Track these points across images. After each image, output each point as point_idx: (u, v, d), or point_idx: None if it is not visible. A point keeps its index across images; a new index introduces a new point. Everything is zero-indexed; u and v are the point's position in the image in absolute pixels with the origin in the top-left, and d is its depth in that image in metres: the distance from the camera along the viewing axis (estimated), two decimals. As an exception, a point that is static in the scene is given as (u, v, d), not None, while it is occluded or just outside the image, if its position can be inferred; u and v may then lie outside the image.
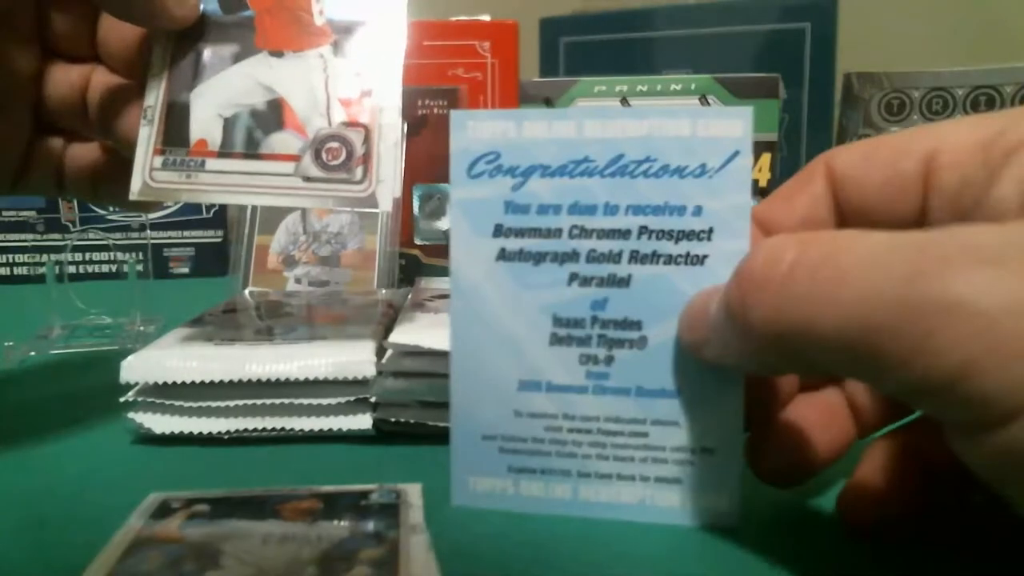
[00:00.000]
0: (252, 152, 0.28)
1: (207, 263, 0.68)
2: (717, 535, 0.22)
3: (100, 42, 0.28)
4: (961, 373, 0.14)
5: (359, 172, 0.27)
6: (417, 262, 0.61)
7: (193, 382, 0.28)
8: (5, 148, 0.28)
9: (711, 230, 0.21)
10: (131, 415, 0.28)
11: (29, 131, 0.29)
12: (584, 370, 0.22)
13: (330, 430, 0.28)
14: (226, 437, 0.28)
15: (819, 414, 0.22)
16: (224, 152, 0.28)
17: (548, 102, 0.58)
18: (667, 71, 0.73)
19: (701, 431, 0.22)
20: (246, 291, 0.45)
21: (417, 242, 0.62)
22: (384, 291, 0.45)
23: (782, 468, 0.22)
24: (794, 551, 0.21)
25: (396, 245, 0.54)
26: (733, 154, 0.21)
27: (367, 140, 0.27)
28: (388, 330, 0.31)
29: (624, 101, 0.56)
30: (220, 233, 0.68)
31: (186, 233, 0.67)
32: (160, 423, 0.28)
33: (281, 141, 0.28)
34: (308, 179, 0.27)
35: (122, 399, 0.29)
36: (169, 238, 0.67)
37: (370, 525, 0.21)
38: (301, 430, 0.28)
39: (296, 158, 0.27)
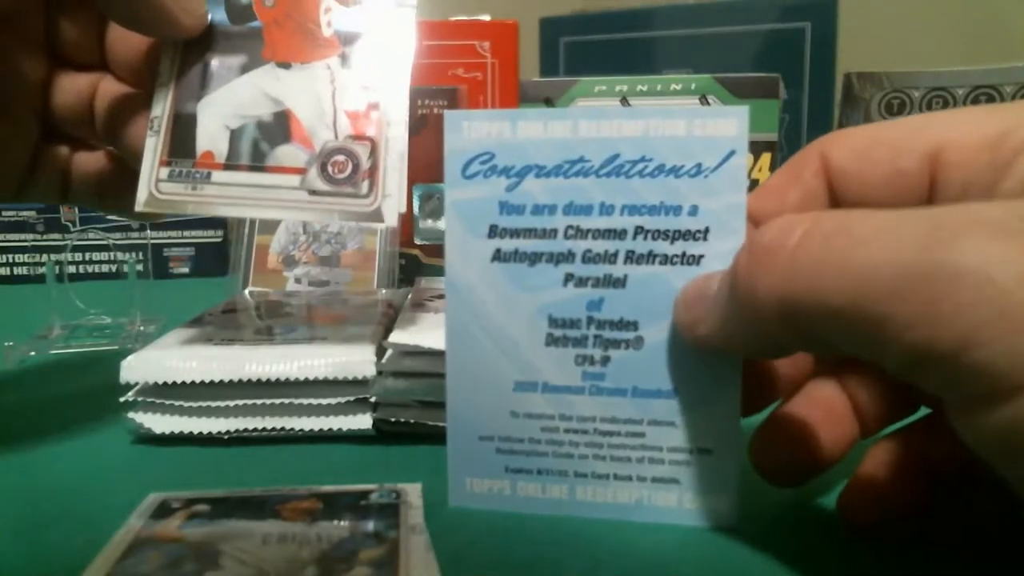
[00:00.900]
0: (258, 164, 0.27)
1: (207, 263, 0.68)
2: (716, 535, 0.22)
3: (108, 50, 0.28)
4: (966, 342, 0.14)
5: (365, 186, 0.27)
6: (417, 262, 0.61)
7: (193, 382, 0.28)
8: (11, 155, 0.28)
9: (707, 230, 0.21)
10: (131, 415, 0.28)
11: (35, 138, 0.29)
12: (580, 371, 0.22)
13: (330, 430, 0.28)
14: (226, 437, 0.28)
15: (823, 414, 0.22)
16: (230, 164, 0.28)
17: (548, 102, 0.58)
18: (667, 71, 0.73)
19: (698, 431, 0.22)
20: (246, 291, 0.45)
21: (417, 242, 0.62)
22: (384, 291, 0.45)
23: (786, 467, 0.22)
24: (794, 551, 0.21)
25: (396, 245, 0.54)
26: (729, 154, 0.21)
27: (373, 154, 0.27)
28: (388, 330, 0.31)
29: (624, 101, 0.56)
30: (220, 233, 0.68)
31: (186, 233, 0.67)
32: (160, 423, 0.28)
33: (287, 154, 0.27)
34: (314, 192, 0.27)
35: (122, 399, 0.29)
36: (169, 238, 0.67)
37: (370, 525, 0.21)
38: (301, 430, 0.28)
39: (302, 171, 0.27)
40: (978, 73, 0.55)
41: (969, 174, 0.19)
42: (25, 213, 0.64)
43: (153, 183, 0.28)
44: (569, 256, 0.22)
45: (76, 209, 0.64)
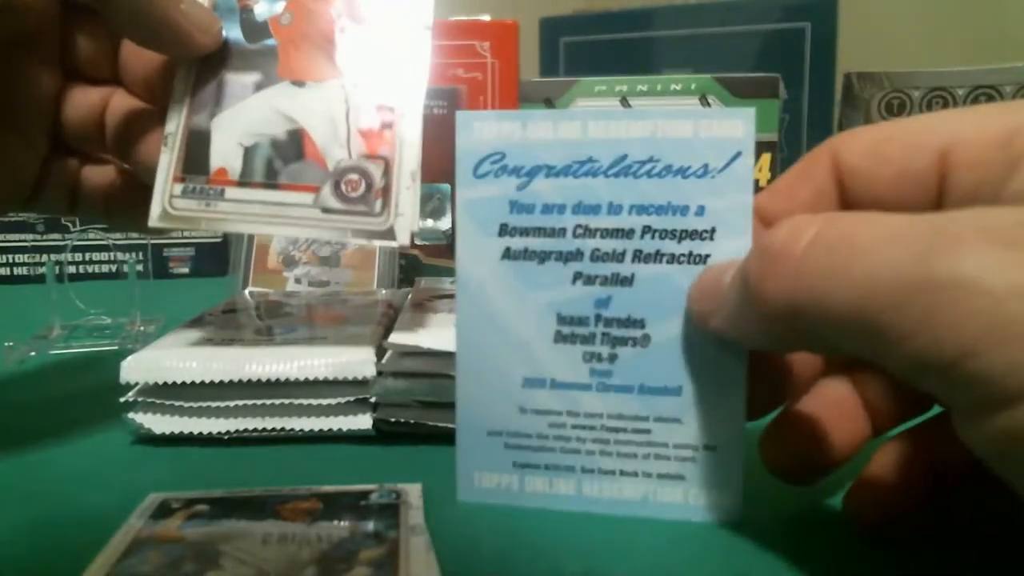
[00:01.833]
0: (272, 182, 0.28)
1: (207, 263, 0.68)
2: (721, 531, 0.22)
3: (121, 66, 0.28)
4: (965, 351, 0.14)
5: (378, 205, 0.27)
6: (417, 262, 0.61)
7: (193, 382, 0.28)
8: (20, 166, 0.28)
9: (713, 230, 0.21)
10: (131, 415, 0.28)
11: (45, 150, 0.29)
12: (588, 368, 0.22)
13: (330, 430, 0.28)
14: (226, 437, 0.28)
15: (834, 412, 0.22)
16: (244, 181, 0.28)
17: (548, 102, 0.58)
18: (667, 71, 0.73)
19: (704, 428, 0.22)
20: (246, 291, 0.45)
21: (417, 242, 0.62)
22: (384, 291, 0.45)
23: (797, 465, 0.22)
24: (799, 548, 0.21)
25: (396, 245, 0.54)
26: (735, 155, 0.21)
27: (387, 173, 0.27)
28: (388, 330, 0.31)
29: (624, 101, 0.56)
30: (220, 233, 0.68)
31: (186, 233, 0.67)
32: (160, 423, 0.28)
33: (301, 172, 0.28)
34: (327, 210, 0.27)
35: (122, 399, 0.29)
36: (169, 238, 0.67)
37: (370, 525, 0.21)
38: (301, 430, 0.28)
39: (315, 189, 0.27)
40: (978, 73, 0.55)
41: (978, 173, 0.19)
42: (25, 213, 0.64)
43: (167, 199, 0.28)
44: (578, 255, 0.22)
45: (82, 218, 0.64)
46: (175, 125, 0.28)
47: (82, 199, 0.30)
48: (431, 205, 0.62)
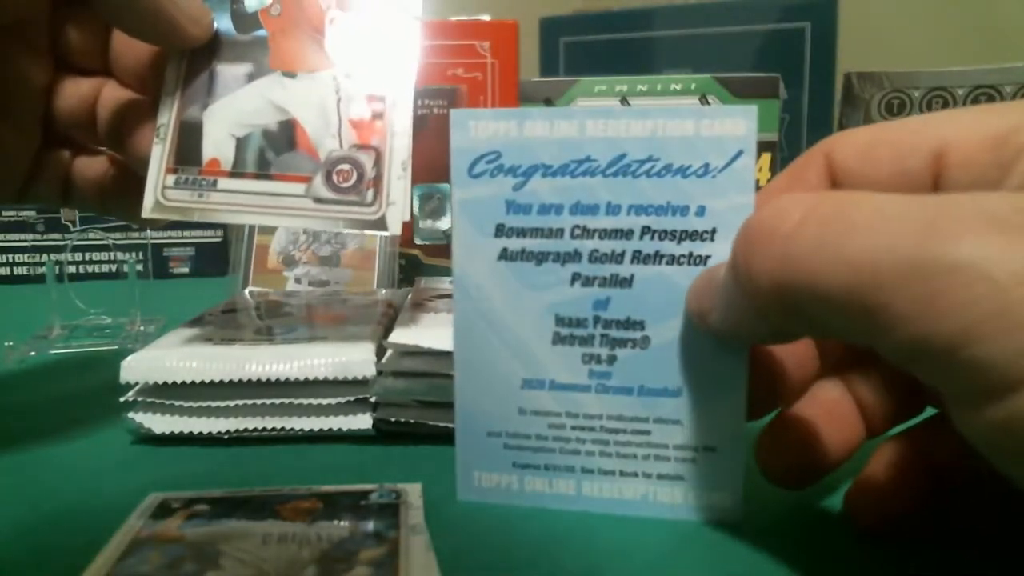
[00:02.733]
0: (264, 172, 0.28)
1: (207, 263, 0.68)
2: (721, 531, 0.22)
3: (112, 57, 0.28)
4: (964, 338, 0.14)
5: (369, 195, 0.27)
6: (417, 262, 0.61)
7: (193, 382, 0.28)
8: (13, 158, 0.28)
9: (714, 230, 0.21)
10: (131, 415, 0.28)
11: (37, 142, 0.29)
12: (587, 369, 0.22)
13: (330, 430, 0.28)
14: (226, 437, 0.28)
15: (828, 415, 0.22)
16: (236, 172, 0.28)
17: (548, 102, 0.58)
18: (667, 71, 0.73)
19: (704, 429, 0.22)
20: (246, 291, 0.45)
21: (417, 242, 0.62)
22: (384, 291, 0.45)
23: (791, 470, 0.22)
24: (799, 549, 0.21)
25: (396, 245, 0.54)
26: (737, 154, 0.21)
27: (378, 163, 0.27)
28: (388, 330, 0.31)
29: (624, 101, 0.56)
30: (220, 233, 0.68)
31: (186, 233, 0.67)
32: (160, 423, 0.28)
33: (293, 162, 0.28)
34: (319, 200, 0.27)
35: (122, 399, 0.29)
36: (169, 238, 0.67)
37: (370, 525, 0.21)
38: (301, 430, 0.28)
39: (307, 179, 0.27)
40: (978, 73, 0.55)
41: (972, 174, 0.19)
42: (25, 213, 0.64)
43: (159, 190, 0.28)
44: (576, 256, 0.22)
45: (76, 210, 0.64)
46: (167, 116, 0.28)
47: (75, 190, 0.30)
48: (431, 205, 0.62)
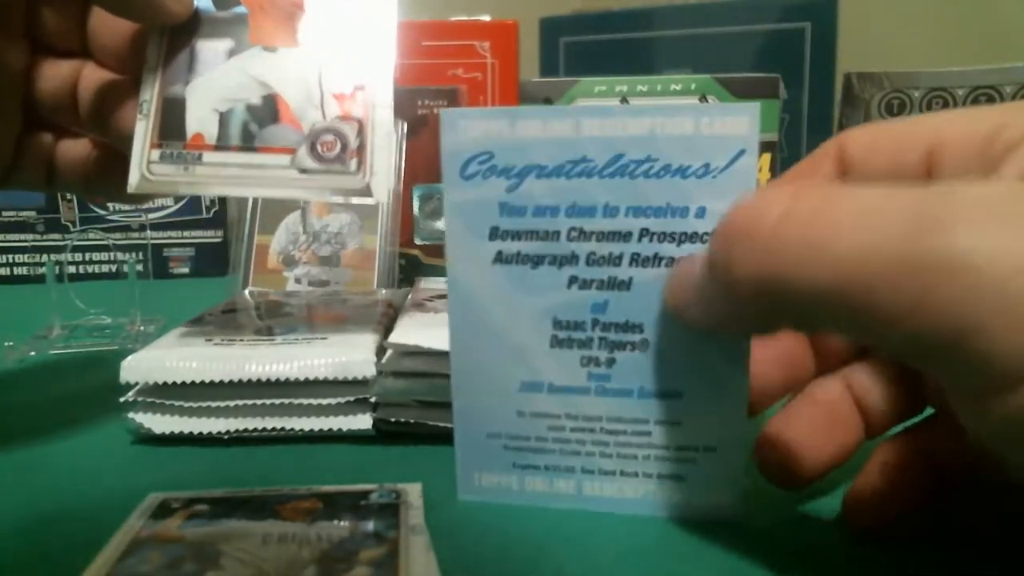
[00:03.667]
0: (248, 145, 0.28)
1: (207, 263, 0.68)
2: (721, 531, 0.22)
3: (91, 37, 0.28)
4: (964, 333, 0.13)
5: (353, 164, 0.28)
6: (417, 262, 0.61)
7: (193, 382, 0.28)
8: None
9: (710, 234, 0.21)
10: (131, 415, 0.28)
11: (18, 127, 0.29)
12: (586, 372, 0.22)
13: (330, 430, 0.28)
14: (226, 437, 0.28)
15: (827, 415, 0.22)
16: (221, 145, 0.28)
17: (548, 102, 0.58)
18: (667, 71, 0.73)
19: (704, 430, 0.22)
20: (246, 291, 0.45)
21: (417, 242, 0.62)
22: (384, 291, 0.45)
23: (789, 472, 0.22)
24: (799, 548, 0.21)
25: (396, 245, 0.54)
26: (739, 153, 0.20)
27: (361, 133, 0.28)
28: (388, 330, 0.31)
29: (624, 101, 0.56)
30: (220, 233, 0.68)
31: (186, 233, 0.67)
32: (160, 423, 0.28)
33: (277, 134, 0.28)
34: (304, 171, 0.28)
35: (122, 399, 0.29)
36: (169, 238, 0.67)
37: (370, 525, 0.21)
38: (301, 430, 0.28)
39: (292, 151, 0.28)
40: (978, 73, 0.55)
41: (962, 169, 0.19)
42: (25, 213, 0.64)
43: (144, 165, 0.28)
44: (573, 258, 0.22)
45: (76, 209, 0.64)
46: (149, 93, 0.28)
47: (59, 173, 0.30)
48: (431, 205, 0.62)
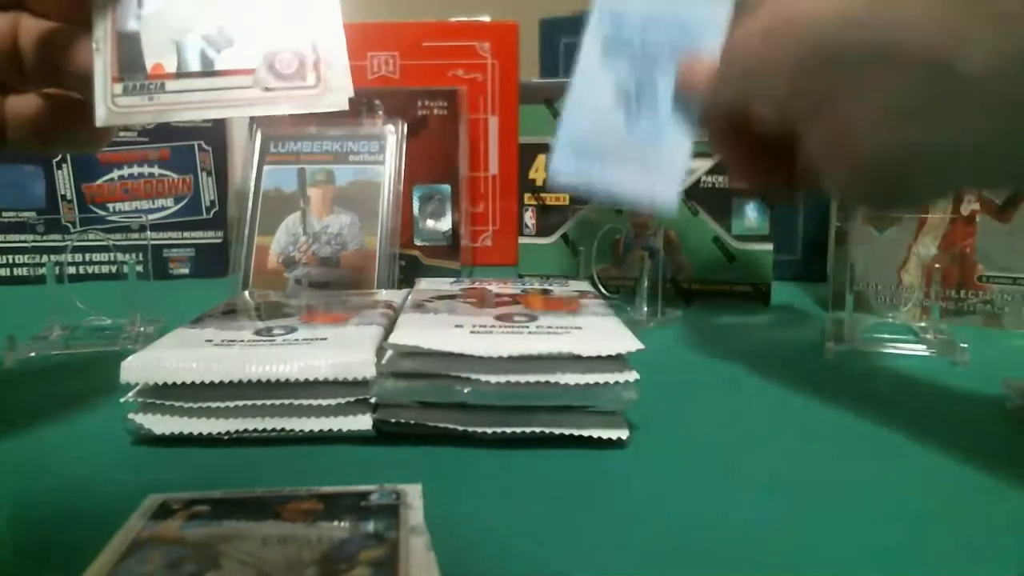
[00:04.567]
0: (209, 70, 0.29)
1: (207, 264, 0.68)
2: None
3: None
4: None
5: (312, 78, 0.29)
6: (417, 263, 0.61)
7: (193, 383, 0.28)
8: None
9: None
10: (131, 416, 0.28)
11: None
12: (625, 119, 0.38)
13: (330, 431, 0.28)
14: (226, 438, 0.28)
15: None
16: (182, 73, 0.29)
17: (548, 103, 0.58)
18: (667, 72, 0.73)
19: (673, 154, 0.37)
20: (246, 292, 0.45)
21: (417, 243, 0.62)
22: (384, 291, 0.45)
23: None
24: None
25: (396, 246, 0.54)
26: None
27: (315, 49, 0.29)
28: (388, 331, 0.31)
29: (624, 101, 0.56)
30: (220, 234, 0.68)
31: (186, 234, 0.67)
32: (160, 424, 0.28)
33: (235, 57, 0.29)
34: (267, 89, 0.29)
35: (122, 400, 0.29)
36: (169, 239, 0.67)
37: (370, 526, 0.21)
38: (301, 431, 0.28)
39: (251, 72, 0.29)
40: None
41: None
42: (25, 214, 0.64)
43: (109, 99, 0.28)
44: (636, 58, 0.39)
45: (76, 210, 0.64)
46: (102, 30, 0.29)
47: (12, 131, 0.30)
48: (431, 206, 0.62)
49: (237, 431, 0.28)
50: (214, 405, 0.28)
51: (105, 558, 0.19)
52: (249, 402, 0.28)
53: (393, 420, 0.28)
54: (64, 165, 0.64)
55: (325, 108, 0.28)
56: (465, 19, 0.71)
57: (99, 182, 0.65)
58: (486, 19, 0.72)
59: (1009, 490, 0.25)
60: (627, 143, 0.39)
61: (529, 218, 0.60)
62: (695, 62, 0.35)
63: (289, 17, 0.29)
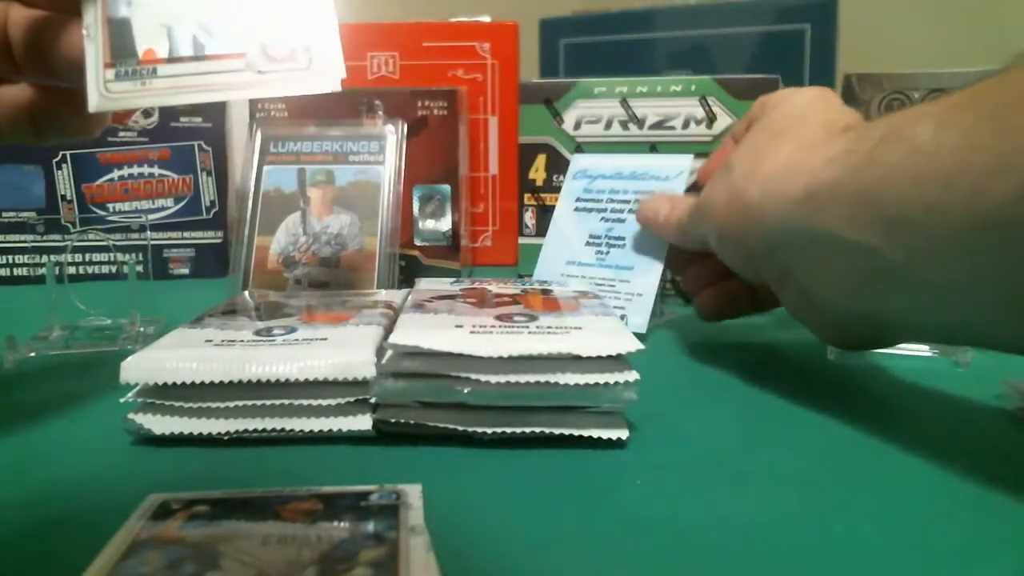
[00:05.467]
0: (200, 55, 0.29)
1: (207, 264, 0.68)
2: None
3: None
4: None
5: (304, 60, 0.29)
6: (417, 263, 0.61)
7: (193, 383, 0.28)
8: None
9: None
10: (131, 416, 0.28)
11: None
12: (596, 256, 0.48)
13: (330, 431, 0.28)
14: (226, 438, 0.28)
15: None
16: (173, 58, 0.29)
17: (548, 103, 0.58)
18: (667, 72, 0.73)
19: (638, 284, 0.46)
20: (246, 292, 0.45)
21: (417, 243, 0.62)
22: (384, 291, 0.45)
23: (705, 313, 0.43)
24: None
25: (396, 246, 0.54)
26: (679, 172, 0.48)
27: (307, 31, 0.29)
28: (388, 331, 0.31)
29: (624, 103, 0.56)
30: (220, 234, 0.68)
31: (186, 234, 0.67)
32: (160, 424, 0.28)
33: (226, 41, 0.29)
34: (260, 72, 0.29)
35: (122, 400, 0.29)
36: (169, 239, 0.67)
37: (370, 526, 0.21)
38: (301, 431, 0.28)
39: (242, 56, 0.29)
40: (978, 74, 0.54)
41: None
42: (25, 214, 0.64)
43: (101, 85, 0.28)
44: (603, 210, 0.49)
45: (76, 210, 0.64)
46: (92, 16, 0.29)
47: (5, 121, 0.30)
48: (431, 206, 0.62)
49: (237, 431, 0.28)
50: (214, 405, 0.28)
51: (105, 558, 0.19)
52: (249, 402, 0.28)
53: (393, 420, 0.28)
54: (64, 165, 0.64)
55: (318, 90, 0.29)
56: (465, 19, 0.71)
57: (99, 182, 0.65)
58: (486, 19, 0.72)
59: (1009, 491, 0.25)
60: (597, 278, 0.47)
61: (529, 218, 0.60)
62: (655, 200, 0.43)
63: (283, 2, 0.29)
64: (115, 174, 0.66)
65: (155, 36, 0.29)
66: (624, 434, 0.28)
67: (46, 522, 0.23)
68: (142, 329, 0.43)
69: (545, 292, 0.39)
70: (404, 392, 0.28)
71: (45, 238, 0.63)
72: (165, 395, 0.28)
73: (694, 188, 0.46)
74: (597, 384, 0.27)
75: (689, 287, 0.44)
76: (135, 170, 0.66)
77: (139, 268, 0.45)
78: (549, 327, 0.30)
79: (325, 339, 0.31)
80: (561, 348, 0.28)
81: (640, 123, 0.56)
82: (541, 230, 0.59)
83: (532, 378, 0.28)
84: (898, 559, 0.21)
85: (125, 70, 0.28)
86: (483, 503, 0.24)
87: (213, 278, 0.66)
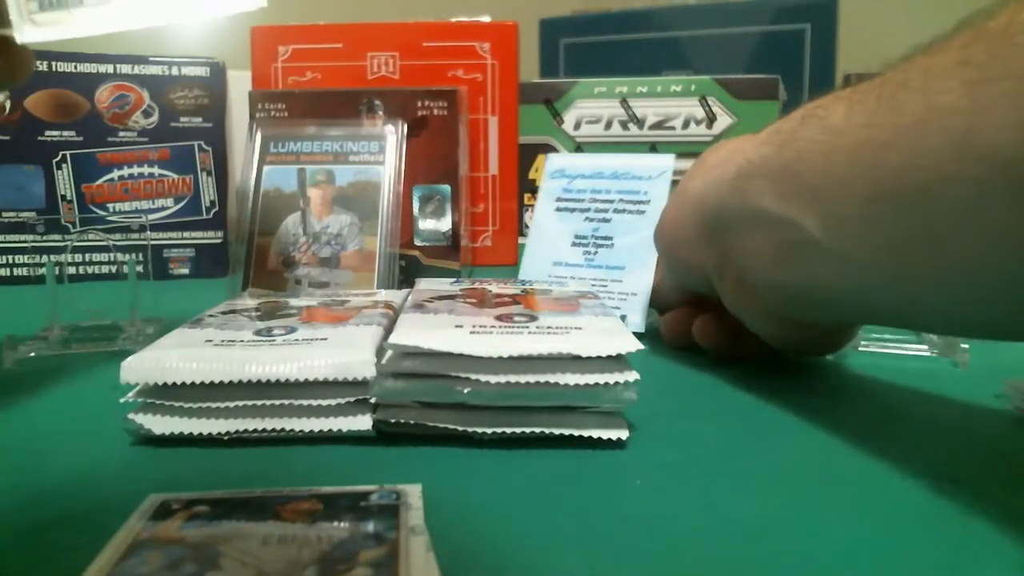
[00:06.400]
0: None
1: (207, 264, 0.68)
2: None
3: None
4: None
5: None
6: (417, 263, 0.61)
7: (193, 383, 0.28)
8: None
9: (649, 201, 0.48)
10: (131, 416, 0.28)
11: None
12: (584, 256, 0.48)
13: (330, 431, 0.28)
14: (226, 438, 0.28)
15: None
16: None
17: (548, 103, 0.58)
18: (667, 72, 0.73)
19: (632, 284, 0.46)
20: (246, 292, 0.45)
21: (417, 243, 0.62)
22: (384, 291, 0.45)
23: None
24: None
25: (396, 246, 0.54)
26: (661, 172, 0.49)
27: None
28: (388, 331, 0.31)
29: (624, 102, 0.56)
30: (220, 234, 0.68)
31: (186, 234, 0.67)
32: (160, 424, 0.28)
33: None
34: None
35: (122, 400, 0.29)
36: (169, 239, 0.67)
37: (370, 526, 0.21)
38: (301, 431, 0.28)
39: None
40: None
41: None
42: (25, 214, 0.64)
43: (25, 15, 0.28)
44: (587, 210, 0.49)
45: (76, 210, 0.64)
46: None
47: None
48: (431, 206, 0.62)
49: (237, 431, 0.28)
50: (214, 405, 0.28)
51: (105, 558, 0.19)
52: (249, 402, 0.28)
53: (393, 420, 0.28)
54: (64, 165, 0.64)
55: (243, 9, 0.29)
56: (465, 19, 0.71)
57: (99, 182, 0.65)
58: (486, 19, 0.72)
59: (1009, 491, 0.25)
60: (588, 278, 0.46)
61: (529, 218, 0.60)
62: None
63: None
64: (115, 174, 0.66)
65: None
66: (624, 434, 0.28)
67: (46, 522, 0.23)
68: (142, 329, 0.43)
69: (545, 292, 0.39)
70: (404, 392, 0.28)
71: (45, 238, 0.63)
72: (165, 395, 0.28)
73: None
74: (597, 384, 0.27)
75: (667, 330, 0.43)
76: (135, 170, 0.66)
77: (139, 268, 0.45)
78: (549, 327, 0.30)
79: (325, 339, 0.31)
80: (561, 348, 0.28)
81: (640, 123, 0.56)
82: (541, 230, 0.59)
83: (532, 378, 0.28)
84: (898, 559, 0.21)
85: (49, 1, 0.28)
86: (483, 503, 0.24)
87: (213, 278, 0.66)
